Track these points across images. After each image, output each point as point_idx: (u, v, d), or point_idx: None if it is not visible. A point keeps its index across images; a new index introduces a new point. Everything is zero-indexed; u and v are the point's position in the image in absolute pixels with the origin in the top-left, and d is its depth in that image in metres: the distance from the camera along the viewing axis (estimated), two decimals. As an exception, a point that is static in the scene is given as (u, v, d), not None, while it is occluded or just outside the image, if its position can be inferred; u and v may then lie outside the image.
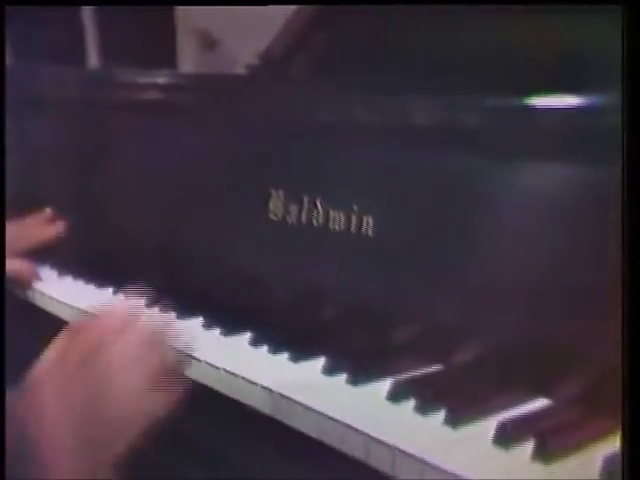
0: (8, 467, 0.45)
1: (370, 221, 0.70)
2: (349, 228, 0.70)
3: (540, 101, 0.68)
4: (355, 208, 0.70)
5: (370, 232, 0.70)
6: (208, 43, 4.53)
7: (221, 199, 0.77)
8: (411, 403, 0.59)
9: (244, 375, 0.62)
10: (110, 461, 0.51)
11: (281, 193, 0.75)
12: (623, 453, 0.56)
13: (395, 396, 0.60)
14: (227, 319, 0.75)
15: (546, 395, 0.62)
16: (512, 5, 1.22)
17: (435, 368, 0.66)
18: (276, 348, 0.69)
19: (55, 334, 0.53)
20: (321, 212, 0.74)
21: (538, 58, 1.17)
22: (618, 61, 0.65)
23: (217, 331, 0.74)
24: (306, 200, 0.74)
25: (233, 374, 0.62)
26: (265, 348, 0.70)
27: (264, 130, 0.80)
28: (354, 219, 0.70)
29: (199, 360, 0.66)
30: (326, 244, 0.73)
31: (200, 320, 0.76)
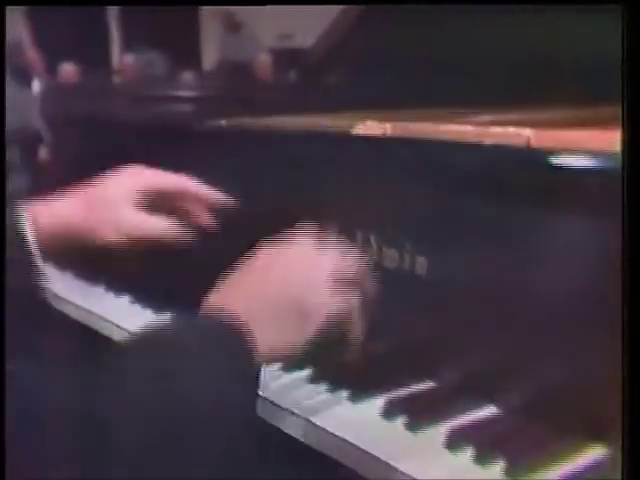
0: None
1: (423, 261, 0.70)
2: (402, 266, 0.71)
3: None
4: (408, 247, 0.70)
5: (423, 272, 0.71)
6: (232, 25, 4.51)
7: (272, 225, 0.77)
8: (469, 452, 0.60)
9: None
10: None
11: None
12: (623, 453, 0.56)
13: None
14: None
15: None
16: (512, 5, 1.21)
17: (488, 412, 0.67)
18: (335, 387, 0.70)
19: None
20: (375, 248, 0.74)
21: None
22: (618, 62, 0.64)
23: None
24: (360, 235, 0.75)
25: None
26: (324, 387, 0.70)
27: (323, 164, 0.81)
28: (407, 258, 0.71)
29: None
30: (379, 280, 0.70)
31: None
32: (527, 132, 0.98)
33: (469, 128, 0.97)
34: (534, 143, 0.92)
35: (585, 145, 0.85)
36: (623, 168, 0.65)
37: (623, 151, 0.66)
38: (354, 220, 0.76)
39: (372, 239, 0.74)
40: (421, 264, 0.71)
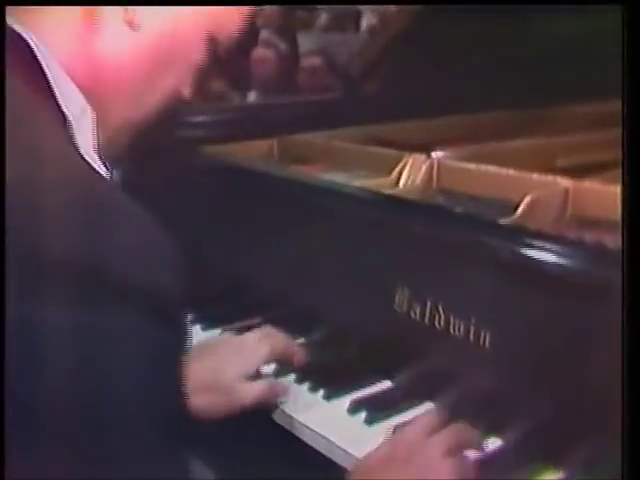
0: None
1: (487, 335, 0.74)
2: (468, 337, 0.75)
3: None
4: (473, 320, 0.75)
5: (487, 344, 0.74)
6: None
7: (352, 281, 0.87)
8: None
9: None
10: None
11: (406, 291, 0.81)
12: (623, 453, 0.55)
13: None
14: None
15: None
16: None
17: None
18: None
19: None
20: (442, 317, 0.78)
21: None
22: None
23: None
24: (429, 303, 0.79)
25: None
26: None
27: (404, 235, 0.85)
28: (472, 329, 0.75)
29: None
30: (446, 346, 0.79)
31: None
32: (565, 183, 1.03)
33: (511, 173, 1.02)
34: (572, 195, 0.97)
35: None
36: (623, 168, 0.64)
37: (623, 151, 0.64)
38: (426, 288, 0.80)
39: (440, 307, 0.78)
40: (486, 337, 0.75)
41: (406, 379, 0.86)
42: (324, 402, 0.84)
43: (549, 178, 1.01)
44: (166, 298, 0.50)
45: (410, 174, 1.12)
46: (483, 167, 1.08)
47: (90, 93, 0.50)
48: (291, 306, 0.99)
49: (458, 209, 0.94)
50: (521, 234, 0.80)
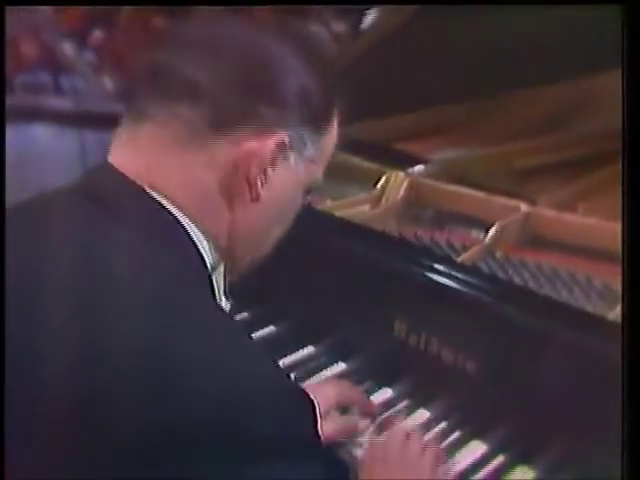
0: None
1: (472, 365, 0.88)
2: (455, 364, 0.89)
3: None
4: (462, 352, 0.89)
5: (470, 370, 0.88)
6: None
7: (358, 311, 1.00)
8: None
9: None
10: None
11: (404, 325, 0.94)
12: (623, 453, 0.56)
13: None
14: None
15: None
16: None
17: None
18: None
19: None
20: (435, 347, 0.92)
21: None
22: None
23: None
24: (424, 336, 0.93)
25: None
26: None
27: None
28: (460, 358, 0.89)
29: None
30: (438, 371, 0.92)
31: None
32: (524, 207, 1.19)
33: (480, 195, 1.18)
34: (532, 221, 1.14)
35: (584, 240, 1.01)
36: (623, 168, 0.66)
37: (623, 152, 0.66)
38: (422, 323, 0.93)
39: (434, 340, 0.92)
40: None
41: (405, 390, 0.99)
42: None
43: (512, 202, 1.18)
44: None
45: (391, 190, 1.26)
46: (457, 188, 1.21)
47: (226, 250, 0.61)
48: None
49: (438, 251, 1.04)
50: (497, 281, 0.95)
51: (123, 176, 0.58)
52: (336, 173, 1.30)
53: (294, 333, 1.10)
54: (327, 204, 1.22)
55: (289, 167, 0.59)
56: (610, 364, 0.74)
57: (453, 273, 0.93)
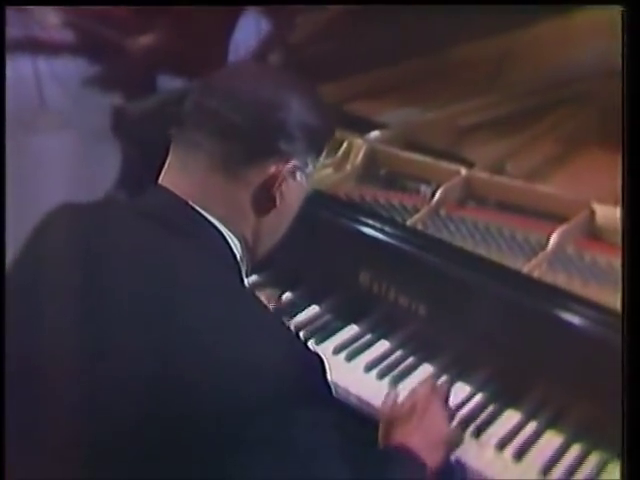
0: None
1: (422, 307, 1.13)
2: (409, 307, 1.14)
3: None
4: (414, 298, 1.13)
5: (421, 312, 1.13)
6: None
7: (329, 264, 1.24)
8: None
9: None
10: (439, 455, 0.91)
11: (367, 276, 1.16)
12: (623, 453, 0.59)
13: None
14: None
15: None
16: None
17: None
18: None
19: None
20: (393, 294, 1.16)
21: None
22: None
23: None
24: (384, 285, 1.16)
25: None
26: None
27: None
28: (413, 303, 1.13)
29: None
30: (395, 313, 1.17)
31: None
32: (464, 171, 1.38)
33: (428, 160, 1.41)
34: (471, 183, 1.37)
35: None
36: (623, 169, 0.70)
37: (623, 153, 0.70)
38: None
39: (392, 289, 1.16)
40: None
41: (367, 326, 1.23)
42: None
43: (453, 167, 1.41)
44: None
45: (352, 157, 1.43)
46: (408, 154, 1.41)
47: (252, 246, 0.81)
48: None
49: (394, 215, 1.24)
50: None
51: (174, 195, 0.77)
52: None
53: (274, 283, 1.34)
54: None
55: (297, 182, 0.81)
56: (528, 314, 1.01)
57: (404, 235, 1.17)
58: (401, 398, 1.00)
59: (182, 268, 0.73)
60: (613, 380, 0.92)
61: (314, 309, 1.29)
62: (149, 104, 1.53)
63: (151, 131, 1.49)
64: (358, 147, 1.45)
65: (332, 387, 0.76)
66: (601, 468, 0.97)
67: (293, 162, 0.79)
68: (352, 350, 1.19)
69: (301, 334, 1.22)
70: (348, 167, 1.44)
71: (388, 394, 1.01)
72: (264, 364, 0.67)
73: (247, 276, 0.84)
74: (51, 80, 3.14)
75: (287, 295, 1.28)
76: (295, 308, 1.30)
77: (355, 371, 1.16)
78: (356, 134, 1.49)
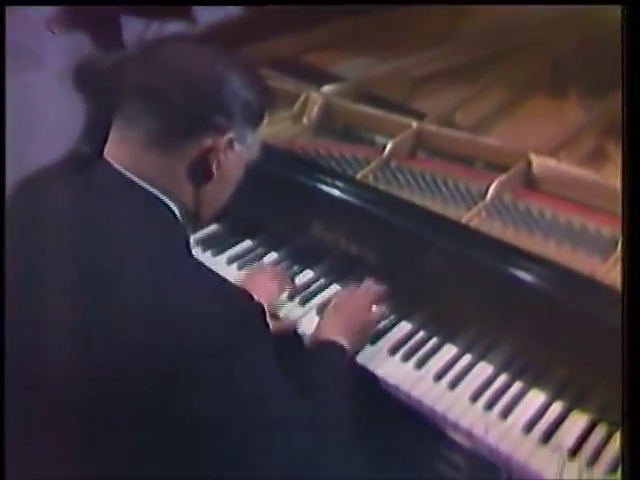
0: None
1: (372, 255, 1.22)
2: (359, 255, 1.23)
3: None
4: (365, 246, 1.22)
5: (370, 259, 1.23)
6: None
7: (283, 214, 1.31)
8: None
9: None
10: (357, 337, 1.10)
11: (319, 225, 1.25)
12: (623, 453, 0.59)
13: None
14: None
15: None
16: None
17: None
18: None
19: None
20: (344, 243, 1.25)
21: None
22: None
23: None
24: (336, 234, 1.24)
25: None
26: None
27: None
28: (363, 251, 1.22)
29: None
30: (346, 262, 1.27)
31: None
32: (414, 124, 1.40)
33: (380, 114, 1.48)
34: (421, 135, 1.44)
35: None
36: (624, 169, 0.71)
37: (624, 153, 0.71)
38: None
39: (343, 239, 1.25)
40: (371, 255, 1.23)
41: (322, 272, 1.32)
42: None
43: (405, 120, 1.48)
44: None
45: (309, 110, 1.49)
46: (362, 108, 1.47)
47: (193, 212, 0.88)
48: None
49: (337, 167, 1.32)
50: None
51: (112, 168, 0.83)
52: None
53: (232, 233, 1.40)
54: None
55: (236, 153, 0.85)
56: (465, 261, 1.09)
57: (353, 189, 1.25)
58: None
59: (123, 233, 0.80)
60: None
61: (273, 256, 1.38)
62: (109, 58, 1.56)
63: (110, 87, 1.55)
64: (314, 100, 1.51)
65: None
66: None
67: (229, 135, 0.83)
68: (306, 294, 1.28)
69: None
70: (305, 120, 1.50)
71: None
72: (206, 314, 0.75)
73: (192, 234, 0.92)
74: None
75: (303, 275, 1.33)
76: (254, 255, 1.38)
77: (309, 314, 1.25)
78: (312, 86, 1.55)
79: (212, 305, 0.76)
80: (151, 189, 0.83)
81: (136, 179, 0.83)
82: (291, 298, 1.27)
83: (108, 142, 0.86)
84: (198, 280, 0.79)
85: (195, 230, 0.91)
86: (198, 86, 0.82)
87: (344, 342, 1.06)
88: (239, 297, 0.81)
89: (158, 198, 0.84)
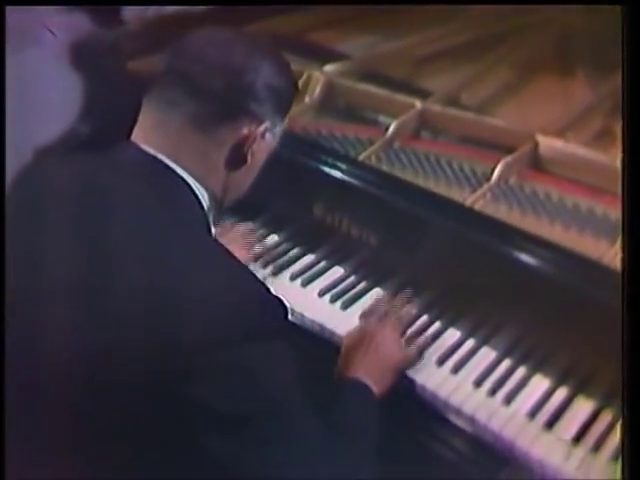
0: None
1: (374, 237, 1.20)
2: (361, 237, 1.21)
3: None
4: (366, 228, 1.20)
5: (372, 242, 1.20)
6: None
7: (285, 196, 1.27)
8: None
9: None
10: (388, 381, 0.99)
11: (321, 207, 1.23)
12: (623, 453, 0.59)
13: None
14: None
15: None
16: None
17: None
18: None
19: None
20: (346, 225, 1.23)
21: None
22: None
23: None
24: (337, 216, 1.22)
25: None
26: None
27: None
28: (364, 234, 1.20)
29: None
30: (347, 244, 1.24)
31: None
32: (418, 104, 1.37)
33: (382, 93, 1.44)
34: (425, 116, 1.41)
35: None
36: (624, 170, 0.71)
37: (624, 153, 0.71)
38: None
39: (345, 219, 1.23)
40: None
41: (321, 255, 1.28)
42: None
43: (409, 100, 1.45)
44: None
45: (311, 90, 1.44)
46: (365, 87, 1.43)
47: (219, 198, 0.88)
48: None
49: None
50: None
51: (144, 151, 0.82)
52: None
53: (234, 214, 1.37)
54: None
55: (266, 142, 0.87)
56: (469, 244, 1.07)
57: (355, 170, 1.22)
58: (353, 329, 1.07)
59: (152, 218, 0.80)
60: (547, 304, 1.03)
61: (273, 238, 1.36)
62: (107, 37, 1.53)
63: (109, 65, 1.52)
64: (316, 80, 1.48)
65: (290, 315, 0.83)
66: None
67: (265, 124, 0.85)
68: (307, 276, 1.26)
69: (260, 261, 1.29)
70: (307, 99, 1.47)
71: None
72: (227, 303, 0.74)
73: (214, 225, 0.90)
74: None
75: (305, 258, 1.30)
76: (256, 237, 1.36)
77: (309, 295, 1.23)
78: (315, 64, 1.52)
79: (230, 293, 0.75)
80: (183, 173, 0.83)
81: (171, 163, 0.83)
82: (293, 279, 1.24)
83: (138, 126, 0.85)
84: (220, 267, 0.79)
85: (217, 217, 0.90)
86: (235, 73, 0.83)
87: (370, 383, 0.97)
88: (258, 286, 0.80)
89: (186, 183, 0.84)
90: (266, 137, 0.87)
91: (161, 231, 0.78)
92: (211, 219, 0.88)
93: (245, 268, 0.82)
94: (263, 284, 0.80)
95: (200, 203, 0.85)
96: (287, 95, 0.89)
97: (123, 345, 0.73)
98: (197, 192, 0.84)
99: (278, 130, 0.89)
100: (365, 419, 0.91)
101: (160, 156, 0.82)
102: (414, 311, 1.14)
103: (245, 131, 0.84)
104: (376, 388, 0.97)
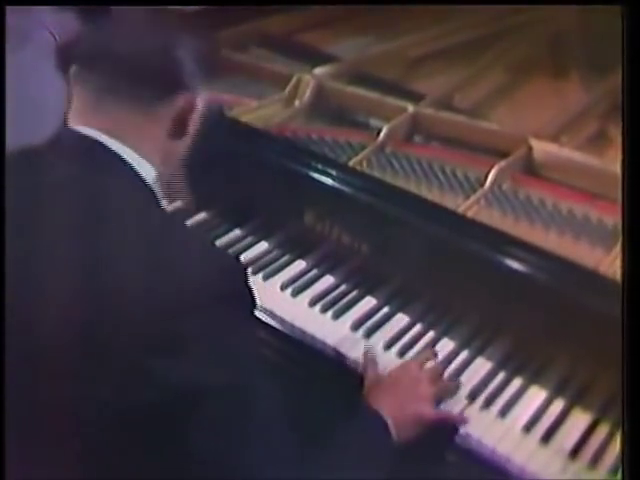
0: None
1: (365, 245, 1.17)
2: (352, 244, 1.18)
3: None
4: (358, 237, 1.17)
5: (363, 249, 1.17)
6: None
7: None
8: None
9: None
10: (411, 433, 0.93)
11: (311, 215, 1.20)
12: (623, 453, 0.58)
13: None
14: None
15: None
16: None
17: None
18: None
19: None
20: (336, 232, 1.20)
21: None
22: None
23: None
24: (328, 224, 1.20)
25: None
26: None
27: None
28: (355, 241, 1.18)
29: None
30: (338, 251, 1.21)
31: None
32: (411, 108, 1.35)
33: (373, 96, 1.41)
34: (418, 119, 1.37)
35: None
36: (624, 170, 0.70)
37: (624, 152, 0.70)
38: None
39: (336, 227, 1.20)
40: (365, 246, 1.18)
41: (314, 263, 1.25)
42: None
43: (401, 103, 1.42)
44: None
45: (301, 93, 1.42)
46: (356, 90, 1.40)
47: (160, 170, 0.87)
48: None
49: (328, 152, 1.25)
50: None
51: (83, 135, 0.82)
52: (253, 74, 1.51)
53: (223, 220, 1.35)
54: (251, 105, 1.41)
55: (200, 109, 0.88)
56: (460, 252, 1.04)
57: (345, 177, 1.18)
58: (392, 367, 1.04)
59: (104, 198, 0.81)
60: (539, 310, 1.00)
61: (263, 245, 1.32)
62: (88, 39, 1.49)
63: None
64: (306, 83, 1.44)
65: (256, 298, 0.82)
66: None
67: (198, 93, 0.87)
68: (297, 286, 1.23)
69: (250, 269, 1.26)
70: (296, 103, 1.44)
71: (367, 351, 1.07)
72: (186, 270, 0.74)
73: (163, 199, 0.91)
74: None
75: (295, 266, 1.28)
76: (244, 244, 1.33)
77: (300, 305, 1.20)
78: (305, 66, 1.49)
79: (185, 259, 0.76)
80: (125, 150, 0.84)
81: (113, 141, 0.83)
82: (283, 288, 1.22)
83: (74, 110, 0.86)
84: (172, 235, 0.81)
85: (165, 190, 0.91)
86: (164, 51, 0.86)
87: (394, 429, 0.92)
88: (220, 253, 0.85)
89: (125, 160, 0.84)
90: (200, 105, 0.88)
91: (107, 205, 0.79)
92: (158, 192, 0.88)
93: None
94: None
95: (142, 177, 0.85)
96: (205, 61, 0.90)
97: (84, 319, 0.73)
98: (140, 167, 0.85)
99: (205, 95, 0.90)
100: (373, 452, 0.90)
101: (101, 136, 0.83)
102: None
103: (182, 103, 0.86)
104: (397, 433, 0.93)
